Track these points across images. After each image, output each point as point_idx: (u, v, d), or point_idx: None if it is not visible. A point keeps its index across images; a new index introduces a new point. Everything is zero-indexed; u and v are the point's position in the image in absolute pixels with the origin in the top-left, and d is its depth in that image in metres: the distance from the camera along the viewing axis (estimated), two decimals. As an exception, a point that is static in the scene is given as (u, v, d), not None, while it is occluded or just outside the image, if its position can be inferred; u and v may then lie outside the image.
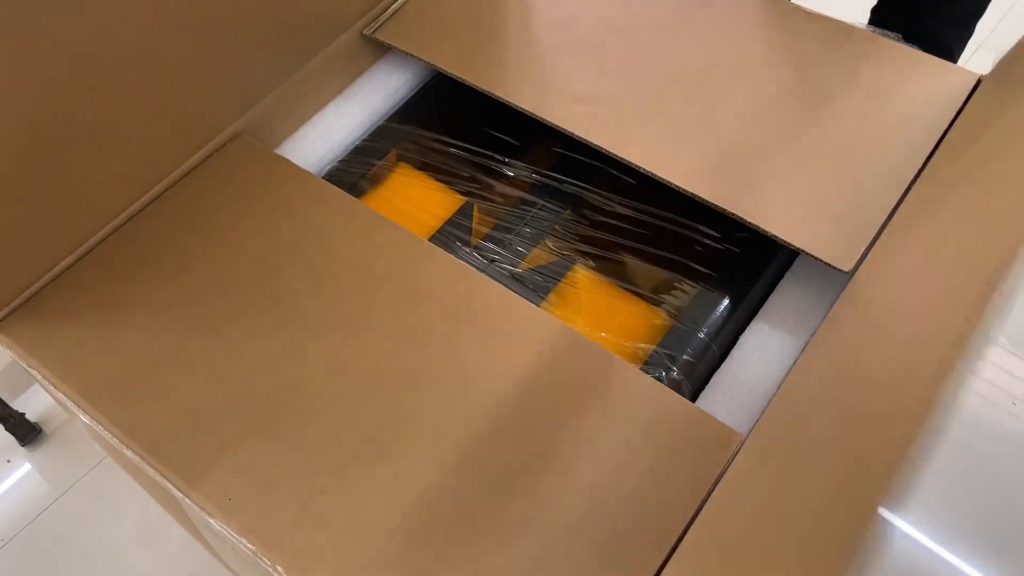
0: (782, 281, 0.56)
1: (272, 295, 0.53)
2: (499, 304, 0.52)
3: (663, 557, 0.43)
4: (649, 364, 0.53)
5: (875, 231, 0.53)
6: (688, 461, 0.46)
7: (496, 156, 0.65)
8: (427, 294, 0.53)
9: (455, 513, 0.44)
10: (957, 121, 0.59)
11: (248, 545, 0.44)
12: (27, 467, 1.06)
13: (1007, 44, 0.58)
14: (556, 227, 0.61)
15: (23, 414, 1.06)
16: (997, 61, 0.58)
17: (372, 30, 0.68)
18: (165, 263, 0.55)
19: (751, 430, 0.47)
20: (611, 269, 0.60)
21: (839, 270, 0.51)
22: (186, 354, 0.51)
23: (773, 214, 0.54)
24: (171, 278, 0.55)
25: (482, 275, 0.54)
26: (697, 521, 0.44)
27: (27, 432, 1.07)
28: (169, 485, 0.47)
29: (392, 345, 0.51)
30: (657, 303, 0.58)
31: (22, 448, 1.07)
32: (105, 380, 0.50)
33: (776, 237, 0.53)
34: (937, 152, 0.57)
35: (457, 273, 0.54)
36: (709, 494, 0.45)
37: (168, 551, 0.97)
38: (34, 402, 1.09)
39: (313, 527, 0.44)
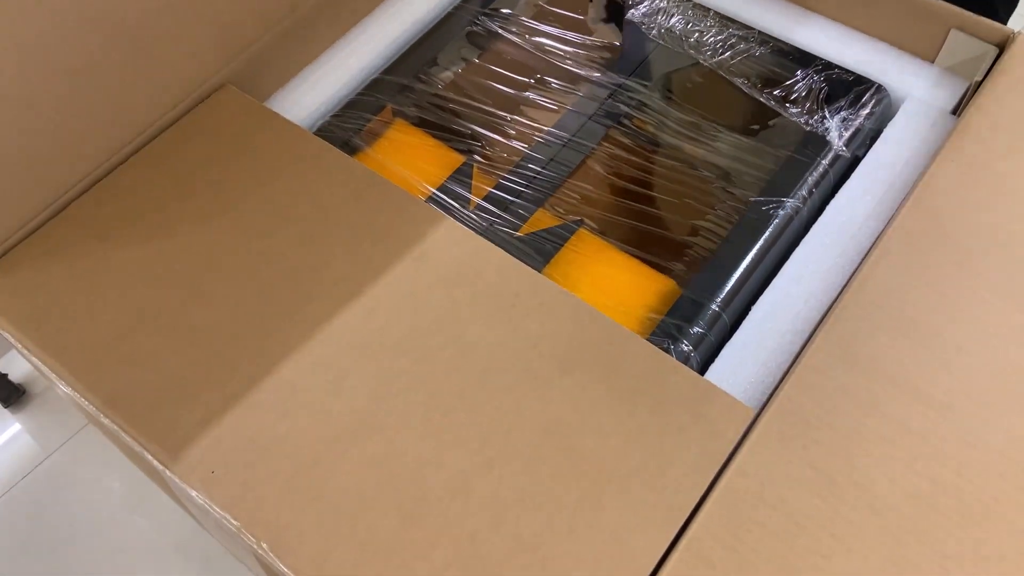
0: (796, 251, 0.54)
1: (260, 256, 0.50)
2: (498, 270, 0.49)
3: (670, 539, 0.41)
4: (656, 335, 0.51)
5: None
6: (697, 438, 0.43)
7: (497, 112, 0.62)
8: (423, 258, 0.50)
9: (449, 489, 0.42)
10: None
11: (232, 520, 0.42)
12: (11, 429, 1.04)
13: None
14: (559, 189, 0.58)
15: (6, 375, 1.04)
16: None
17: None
18: (145, 220, 0.52)
19: (764, 406, 0.45)
20: (618, 234, 0.57)
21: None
22: (167, 318, 0.48)
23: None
24: (152, 236, 0.52)
25: (481, 239, 0.51)
26: (707, 502, 0.41)
27: (10, 393, 1.04)
28: (149, 456, 0.44)
29: (385, 311, 0.48)
30: (666, 270, 0.55)
31: (6, 410, 1.05)
32: (81, 344, 0.48)
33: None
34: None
35: (455, 236, 0.51)
36: (720, 473, 0.42)
37: (156, 516, 0.95)
38: (18, 363, 1.06)
39: (300, 503, 0.42)
